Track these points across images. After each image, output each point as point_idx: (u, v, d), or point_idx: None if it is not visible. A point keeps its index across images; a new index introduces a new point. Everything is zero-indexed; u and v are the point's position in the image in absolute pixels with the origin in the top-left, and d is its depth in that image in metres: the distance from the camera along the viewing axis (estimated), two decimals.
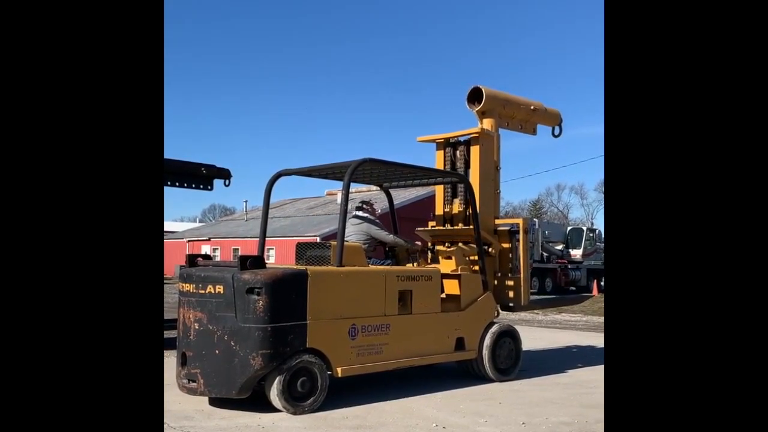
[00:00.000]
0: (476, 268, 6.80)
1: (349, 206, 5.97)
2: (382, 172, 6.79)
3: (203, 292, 5.14)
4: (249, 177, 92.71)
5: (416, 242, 7.17)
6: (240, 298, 4.96)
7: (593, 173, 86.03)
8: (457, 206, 7.25)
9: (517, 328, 7.09)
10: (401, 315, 5.83)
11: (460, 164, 7.30)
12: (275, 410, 5.05)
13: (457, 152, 7.33)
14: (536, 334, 10.94)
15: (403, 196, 27.90)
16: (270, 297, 4.93)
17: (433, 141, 7.51)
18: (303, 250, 5.98)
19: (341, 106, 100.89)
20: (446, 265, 6.72)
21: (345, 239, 5.76)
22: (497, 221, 7.36)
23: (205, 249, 33.31)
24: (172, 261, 28.92)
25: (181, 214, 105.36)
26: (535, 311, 14.01)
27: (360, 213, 6.86)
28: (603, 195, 48.93)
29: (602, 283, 25.02)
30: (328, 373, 5.30)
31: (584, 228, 29.94)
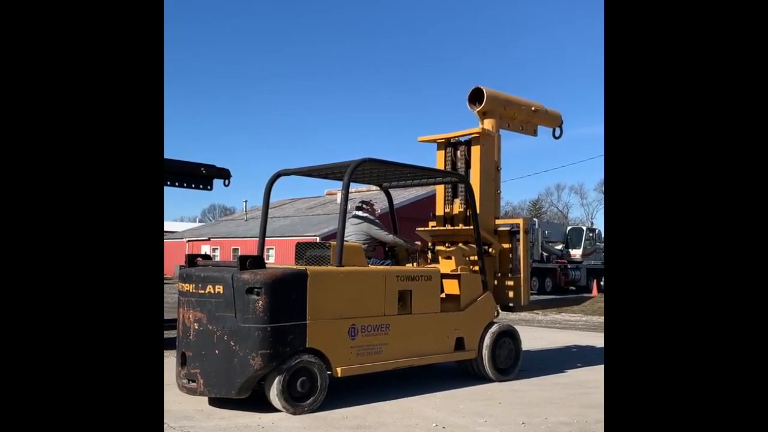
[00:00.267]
0: (476, 268, 6.81)
1: (349, 206, 5.97)
2: (381, 172, 6.79)
3: (203, 292, 5.14)
4: (249, 177, 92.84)
5: (416, 242, 7.17)
6: (240, 298, 4.96)
7: (593, 173, 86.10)
8: (457, 206, 7.25)
9: (517, 328, 7.09)
10: (401, 315, 5.83)
11: (460, 164, 7.30)
12: (275, 410, 5.05)
13: (458, 152, 7.34)
14: (536, 334, 10.94)
15: (402, 196, 27.90)
16: (270, 297, 4.93)
17: (434, 141, 7.51)
18: (303, 250, 5.98)
19: (341, 106, 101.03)
20: (446, 265, 6.72)
21: (345, 239, 5.76)
22: (497, 221, 7.36)
23: (205, 249, 33.31)
24: (172, 261, 28.94)
25: (181, 214, 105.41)
26: (535, 311, 14.01)
27: (360, 213, 6.86)
28: (603, 195, 48.95)
29: (602, 283, 25.02)
30: (328, 373, 5.30)
31: (584, 228, 29.94)
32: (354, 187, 13.43)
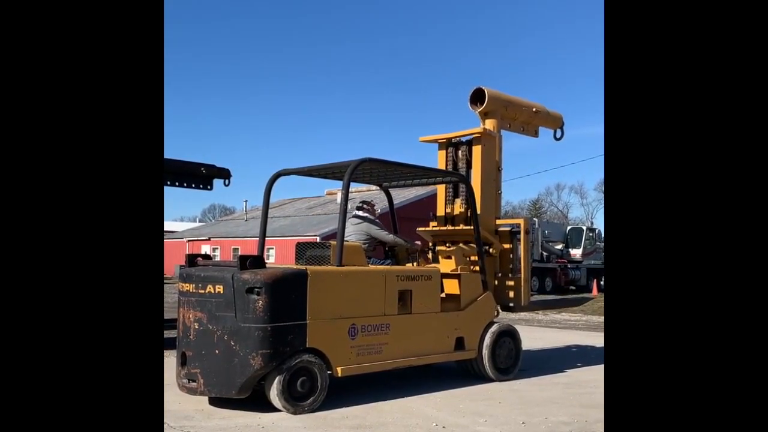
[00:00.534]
0: (476, 268, 6.81)
1: (349, 206, 5.97)
2: (381, 172, 6.80)
3: (203, 291, 5.14)
4: (249, 177, 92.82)
5: (416, 242, 7.17)
6: (240, 298, 4.96)
7: (593, 173, 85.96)
8: (458, 206, 7.25)
9: (517, 327, 7.09)
10: (401, 315, 5.83)
11: (462, 164, 7.30)
12: (275, 410, 5.05)
13: (459, 152, 7.34)
14: (536, 334, 10.95)
15: (403, 195, 27.89)
16: (270, 297, 4.93)
17: (436, 141, 7.52)
18: (303, 250, 5.98)
19: (341, 106, 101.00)
20: (446, 265, 6.72)
21: (345, 239, 5.76)
22: (498, 221, 7.36)
23: (205, 249, 33.31)
24: (172, 261, 28.93)
25: (181, 213, 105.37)
26: (535, 311, 14.02)
27: (360, 213, 6.87)
28: (603, 195, 48.95)
29: (602, 283, 25.02)
30: (328, 372, 5.30)
31: (584, 227, 29.93)
32: (354, 187, 13.44)
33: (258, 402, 5.13)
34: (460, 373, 6.70)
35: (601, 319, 13.36)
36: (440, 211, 7.41)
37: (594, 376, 6.94)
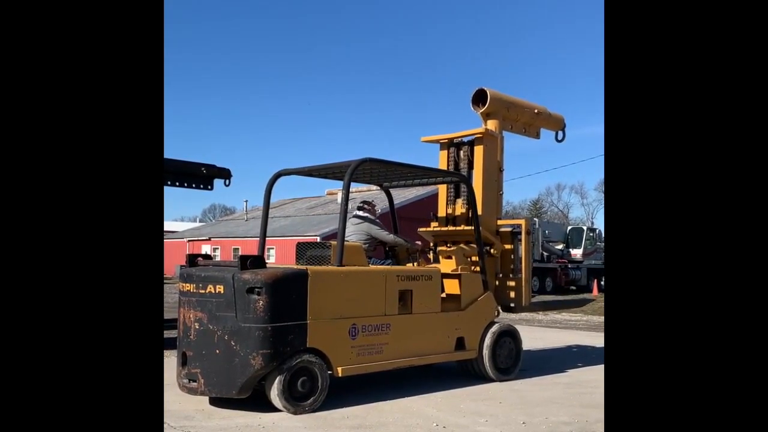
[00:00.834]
0: (477, 268, 6.81)
1: (350, 206, 5.97)
2: (382, 172, 6.79)
3: (203, 291, 5.14)
4: (249, 177, 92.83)
5: (416, 242, 7.17)
6: (240, 298, 4.96)
7: (593, 173, 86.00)
8: (459, 207, 7.25)
9: (518, 327, 7.09)
10: (401, 315, 5.83)
11: (463, 165, 7.31)
12: (275, 410, 5.05)
13: (461, 153, 7.34)
14: (536, 334, 10.95)
15: (403, 195, 27.88)
16: (270, 297, 4.93)
17: (437, 141, 7.52)
18: (303, 250, 5.98)
19: (342, 106, 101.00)
20: (447, 265, 6.71)
21: (345, 239, 5.76)
22: (499, 222, 7.36)
23: (205, 249, 33.30)
24: (172, 261, 28.93)
25: (181, 213, 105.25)
26: (536, 311, 14.03)
27: (360, 213, 6.87)
28: (603, 195, 48.95)
29: (602, 283, 25.01)
30: (329, 372, 5.30)
31: (584, 227, 29.92)
32: (354, 187, 13.44)
33: (258, 402, 5.13)
34: (461, 373, 6.70)
35: (602, 319, 13.36)
36: (441, 211, 7.41)
37: (594, 376, 6.94)
